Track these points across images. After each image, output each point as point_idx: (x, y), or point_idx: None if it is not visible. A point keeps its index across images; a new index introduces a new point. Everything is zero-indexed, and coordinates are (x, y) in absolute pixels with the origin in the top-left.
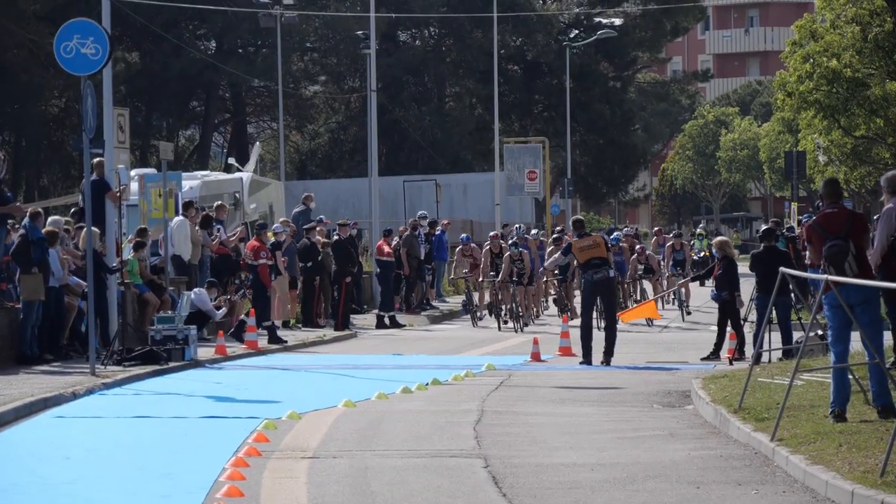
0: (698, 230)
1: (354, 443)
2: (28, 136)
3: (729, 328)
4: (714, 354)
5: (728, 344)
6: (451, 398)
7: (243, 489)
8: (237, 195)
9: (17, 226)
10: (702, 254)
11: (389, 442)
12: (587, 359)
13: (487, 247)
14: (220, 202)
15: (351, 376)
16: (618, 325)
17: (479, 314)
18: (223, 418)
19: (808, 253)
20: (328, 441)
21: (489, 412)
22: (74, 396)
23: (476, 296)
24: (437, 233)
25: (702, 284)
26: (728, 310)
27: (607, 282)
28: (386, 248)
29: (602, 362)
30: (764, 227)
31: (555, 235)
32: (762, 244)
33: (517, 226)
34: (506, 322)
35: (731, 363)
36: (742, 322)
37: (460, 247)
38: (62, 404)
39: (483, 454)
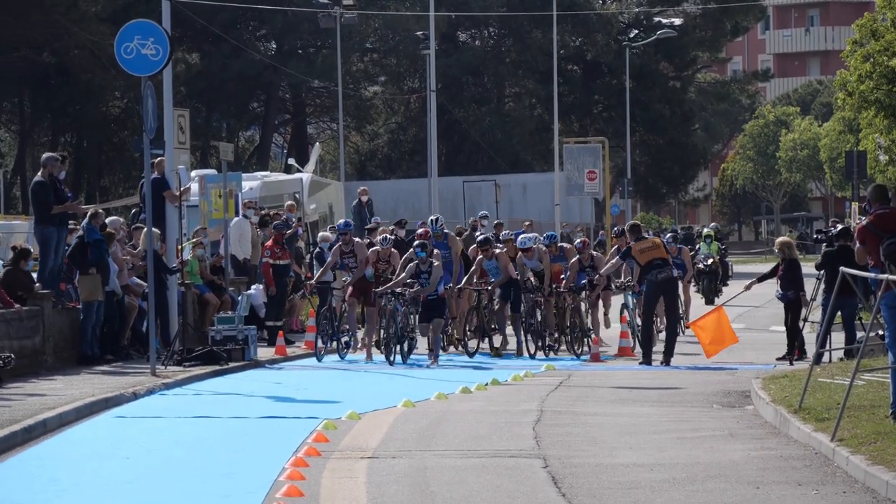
0: (705, 231)
1: (414, 443)
2: (89, 137)
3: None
4: (789, 354)
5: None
6: (510, 398)
7: (303, 489)
8: (297, 196)
9: (78, 225)
10: (709, 261)
11: (449, 442)
12: (647, 359)
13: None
14: (290, 202)
15: (410, 376)
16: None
17: None
18: (283, 418)
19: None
20: (387, 441)
21: (549, 412)
22: (135, 397)
23: None
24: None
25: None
26: (794, 310)
27: (671, 282)
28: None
29: (662, 362)
30: (840, 226)
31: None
32: (836, 243)
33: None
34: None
35: (790, 363)
36: (802, 323)
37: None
38: (123, 404)
39: (542, 454)
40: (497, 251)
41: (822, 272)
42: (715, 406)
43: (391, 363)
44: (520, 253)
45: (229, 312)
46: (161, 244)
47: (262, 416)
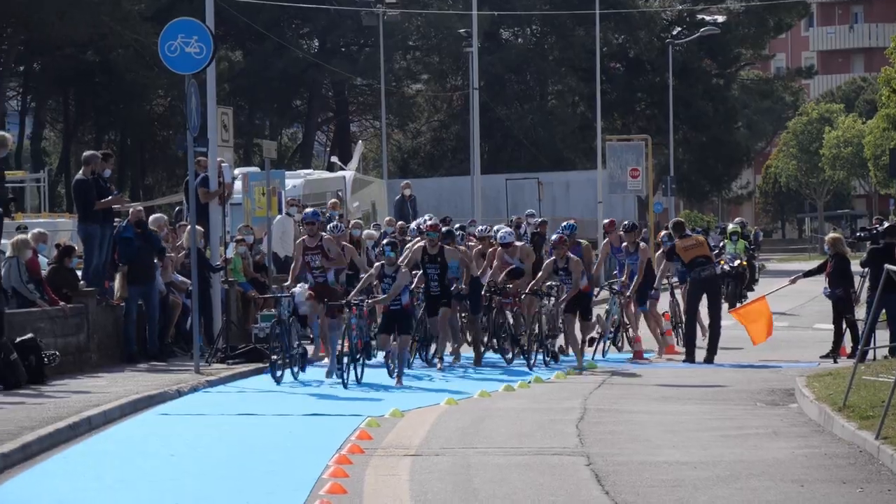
0: (730, 227)
1: (457, 440)
2: (133, 135)
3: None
4: (834, 352)
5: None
6: (553, 396)
7: (346, 486)
8: (340, 194)
9: (122, 222)
10: (736, 262)
11: (492, 439)
12: (690, 357)
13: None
14: (334, 199)
15: (454, 374)
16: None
17: None
18: (326, 416)
19: None
20: (431, 439)
21: (592, 410)
22: (179, 394)
23: None
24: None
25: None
26: (842, 307)
27: (714, 279)
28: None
29: (705, 360)
30: (887, 223)
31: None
32: (881, 241)
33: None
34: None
35: (835, 361)
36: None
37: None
38: (167, 402)
39: (586, 452)
40: (451, 248)
41: (866, 270)
42: (759, 404)
43: (345, 385)
44: (499, 249)
45: (273, 310)
46: (204, 242)
47: (305, 413)
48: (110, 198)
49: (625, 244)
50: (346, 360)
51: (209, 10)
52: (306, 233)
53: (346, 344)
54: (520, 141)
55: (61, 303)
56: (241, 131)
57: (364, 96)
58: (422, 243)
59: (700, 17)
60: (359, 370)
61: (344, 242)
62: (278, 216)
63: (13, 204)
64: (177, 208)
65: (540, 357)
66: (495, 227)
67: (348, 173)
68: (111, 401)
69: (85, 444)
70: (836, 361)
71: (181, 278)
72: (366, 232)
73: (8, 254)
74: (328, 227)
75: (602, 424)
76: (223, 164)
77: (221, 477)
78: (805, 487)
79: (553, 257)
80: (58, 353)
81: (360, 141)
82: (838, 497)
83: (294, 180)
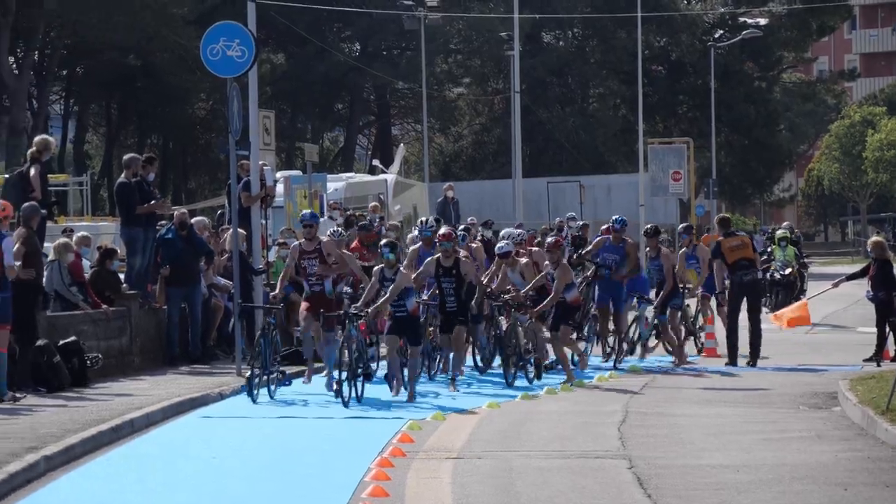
0: (779, 233)
1: (498, 443)
2: (175, 139)
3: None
4: (877, 355)
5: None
6: (595, 399)
7: (388, 489)
8: (381, 197)
9: (167, 225)
10: (787, 270)
11: (533, 442)
12: (733, 360)
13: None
14: (374, 202)
15: (496, 377)
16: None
17: None
18: (368, 419)
19: None
20: (472, 442)
21: (634, 413)
22: (221, 397)
23: None
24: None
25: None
26: (885, 310)
27: (756, 283)
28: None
29: (748, 363)
30: None
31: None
32: None
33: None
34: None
35: (878, 364)
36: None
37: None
38: (209, 404)
39: (628, 455)
40: (467, 260)
41: None
42: (802, 407)
43: (345, 403)
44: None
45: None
46: (246, 245)
47: (347, 416)
48: (153, 202)
49: (647, 249)
50: (345, 375)
51: (251, 14)
52: (303, 236)
53: (345, 358)
54: (561, 144)
55: (104, 306)
56: (283, 135)
57: (405, 100)
58: (436, 255)
59: (742, 19)
60: (359, 387)
61: (344, 250)
62: (320, 219)
63: (56, 207)
64: (219, 212)
65: (521, 374)
66: (500, 234)
67: (390, 176)
68: (153, 403)
69: (127, 446)
70: (879, 365)
71: (224, 281)
72: (410, 236)
73: (50, 257)
74: (328, 231)
75: (644, 427)
76: (265, 168)
77: (263, 479)
78: (848, 491)
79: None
80: (100, 356)
81: (402, 144)
82: (882, 501)
83: (336, 183)
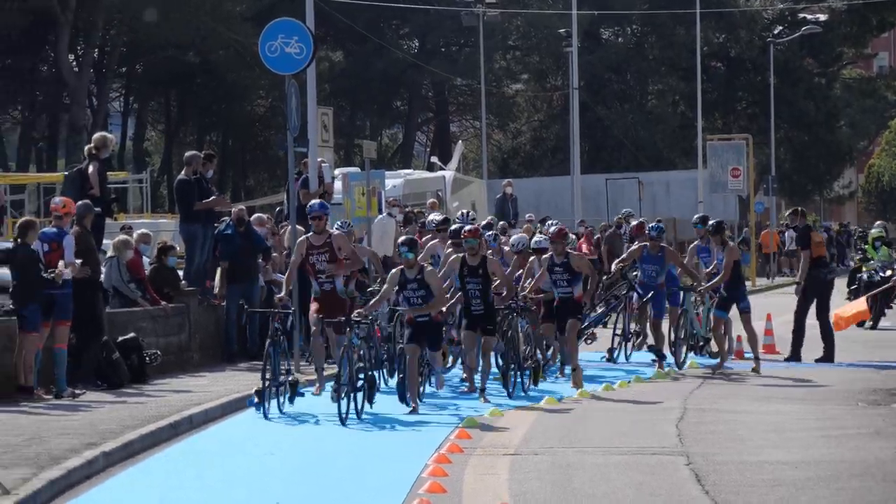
0: (874, 231)
1: (556, 439)
2: (234, 136)
3: None
4: None
5: None
6: (653, 395)
7: (445, 485)
8: (440, 193)
9: (227, 221)
10: (888, 273)
11: (591, 439)
12: (796, 356)
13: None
14: (432, 199)
15: (554, 373)
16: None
17: None
18: (425, 415)
19: None
20: (530, 438)
21: (692, 409)
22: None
23: None
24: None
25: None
26: None
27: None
28: (585, 247)
29: (820, 360)
30: None
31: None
32: None
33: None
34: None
35: None
36: None
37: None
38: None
39: (685, 451)
40: (494, 259)
41: None
42: (860, 404)
43: (343, 420)
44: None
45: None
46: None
47: (404, 412)
48: (211, 199)
49: (711, 244)
50: (345, 389)
51: (309, 11)
52: (312, 229)
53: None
54: (620, 141)
55: (163, 302)
56: (342, 132)
57: (464, 96)
58: (455, 252)
59: (801, 15)
60: (359, 401)
61: (355, 244)
62: (378, 216)
63: (115, 204)
64: (277, 209)
65: (520, 381)
66: (513, 238)
67: (448, 173)
68: (212, 400)
69: (186, 442)
70: None
71: (283, 277)
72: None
73: (109, 254)
74: (335, 225)
75: (702, 424)
76: (323, 164)
77: (320, 475)
78: None
79: (550, 255)
80: (159, 353)
81: (460, 141)
82: None
83: (394, 180)
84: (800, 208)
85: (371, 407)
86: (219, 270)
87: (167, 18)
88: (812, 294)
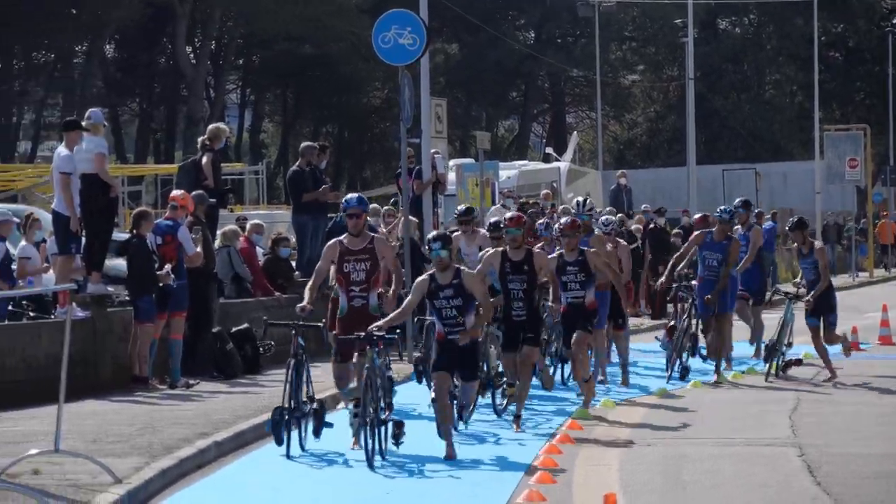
0: None
1: (667, 431)
2: (350, 127)
3: None
4: None
5: None
6: (767, 388)
7: (556, 476)
8: (555, 184)
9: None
10: None
11: (702, 430)
12: None
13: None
14: (546, 189)
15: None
16: None
17: None
18: (537, 405)
19: None
20: (641, 429)
21: (805, 401)
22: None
23: None
24: (766, 226)
25: None
26: None
27: None
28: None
29: None
30: None
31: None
32: None
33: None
34: None
35: None
36: None
37: None
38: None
39: (798, 443)
40: (540, 252)
41: None
42: None
43: (371, 463)
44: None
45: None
46: (419, 233)
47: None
48: (318, 191)
49: (795, 244)
50: (369, 419)
51: (423, 3)
52: (349, 229)
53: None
54: (736, 131)
55: (276, 293)
56: (457, 123)
57: (580, 87)
58: (494, 248)
59: None
60: (382, 436)
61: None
62: (492, 207)
63: (231, 196)
64: (391, 199)
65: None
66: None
67: (563, 164)
68: (324, 391)
69: (297, 433)
70: None
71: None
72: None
73: (217, 243)
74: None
75: (815, 415)
76: (436, 155)
77: (435, 463)
78: None
79: (561, 250)
80: (272, 343)
81: (576, 132)
82: None
83: (509, 171)
84: None
85: (398, 448)
86: None
87: (281, 12)
88: None
